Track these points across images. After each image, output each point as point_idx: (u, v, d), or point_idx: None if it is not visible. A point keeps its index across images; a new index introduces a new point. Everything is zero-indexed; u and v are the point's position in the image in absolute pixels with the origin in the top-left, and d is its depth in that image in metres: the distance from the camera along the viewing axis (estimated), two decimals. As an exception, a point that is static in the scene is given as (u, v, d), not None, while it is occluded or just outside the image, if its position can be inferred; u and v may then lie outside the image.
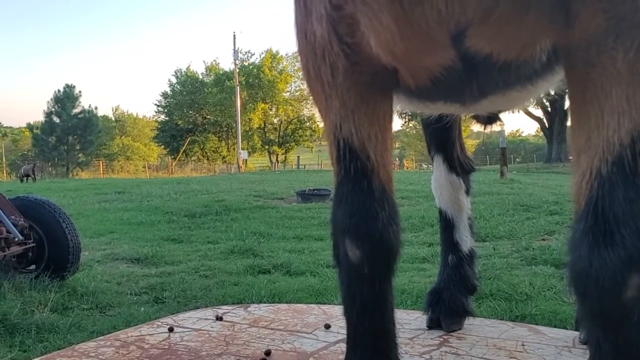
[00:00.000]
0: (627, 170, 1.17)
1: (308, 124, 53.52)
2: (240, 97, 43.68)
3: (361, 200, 1.47)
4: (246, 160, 41.80)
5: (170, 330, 2.63)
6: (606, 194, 1.17)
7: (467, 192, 2.61)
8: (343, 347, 2.21)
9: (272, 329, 2.64)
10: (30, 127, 58.05)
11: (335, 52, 1.41)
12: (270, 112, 52.47)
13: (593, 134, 1.21)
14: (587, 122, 1.22)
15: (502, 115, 2.44)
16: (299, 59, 1.59)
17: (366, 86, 1.46)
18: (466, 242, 2.57)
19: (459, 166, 2.57)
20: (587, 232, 1.18)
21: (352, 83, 1.45)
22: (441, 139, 2.57)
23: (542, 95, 2.00)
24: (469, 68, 1.39)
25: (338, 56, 1.41)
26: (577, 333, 2.39)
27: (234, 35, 49.79)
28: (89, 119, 51.70)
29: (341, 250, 1.51)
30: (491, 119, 2.42)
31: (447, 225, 2.59)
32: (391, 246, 1.48)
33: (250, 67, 50.54)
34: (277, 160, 52.83)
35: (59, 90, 51.24)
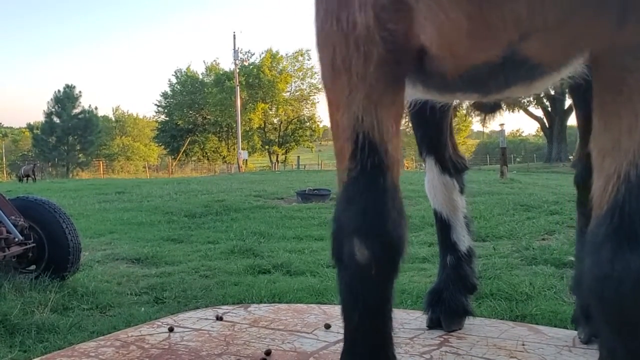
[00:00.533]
0: None
1: (308, 124, 53.51)
2: (240, 97, 43.69)
3: (375, 198, 1.42)
4: (246, 160, 41.79)
5: (171, 330, 2.63)
6: (633, 198, 1.16)
7: (462, 192, 2.60)
8: (343, 347, 2.21)
9: (272, 329, 2.64)
10: (30, 127, 58.11)
11: (373, 40, 1.35)
12: (270, 112, 52.44)
13: (623, 137, 1.18)
14: (617, 124, 1.20)
15: (500, 114, 2.43)
16: (322, 50, 1.50)
17: (391, 77, 1.42)
18: (463, 241, 2.57)
19: (452, 166, 2.56)
20: (610, 235, 1.17)
21: (382, 73, 1.40)
22: (432, 140, 2.56)
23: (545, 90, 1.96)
24: (506, 63, 1.36)
25: (375, 44, 1.35)
26: (577, 332, 2.39)
27: (234, 35, 49.83)
28: (89, 119, 51.80)
29: (346, 250, 1.44)
30: (494, 106, 2.39)
31: (444, 226, 2.58)
32: (399, 246, 1.44)
33: (250, 67, 50.48)
34: (277, 160, 52.78)
35: (59, 91, 51.46)
